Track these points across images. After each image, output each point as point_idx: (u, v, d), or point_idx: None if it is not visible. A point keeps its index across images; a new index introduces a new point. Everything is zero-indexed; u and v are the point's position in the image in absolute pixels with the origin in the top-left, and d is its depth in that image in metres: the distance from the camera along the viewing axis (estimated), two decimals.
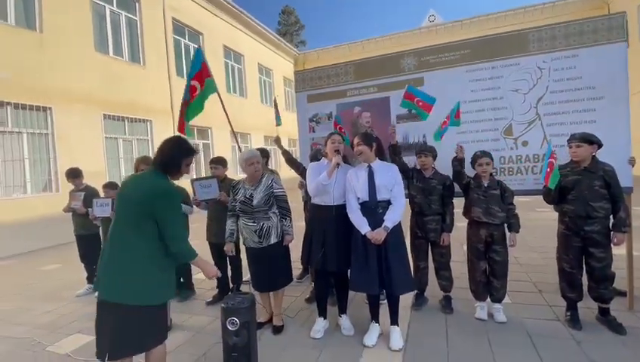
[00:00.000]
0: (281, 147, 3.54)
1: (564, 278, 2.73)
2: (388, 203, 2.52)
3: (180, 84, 10.38)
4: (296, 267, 3.41)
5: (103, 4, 8.89)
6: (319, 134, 3.80)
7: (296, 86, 4.08)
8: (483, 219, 2.78)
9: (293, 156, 3.54)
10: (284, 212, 2.88)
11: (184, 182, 3.82)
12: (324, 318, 2.85)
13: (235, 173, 2.96)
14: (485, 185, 2.82)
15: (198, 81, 3.69)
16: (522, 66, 3.16)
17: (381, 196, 2.50)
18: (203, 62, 3.69)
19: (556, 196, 2.68)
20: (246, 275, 3.37)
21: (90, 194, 4.17)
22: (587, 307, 2.79)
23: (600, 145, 2.57)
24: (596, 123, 2.92)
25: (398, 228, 2.51)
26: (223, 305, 2.20)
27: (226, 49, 13.74)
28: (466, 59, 3.33)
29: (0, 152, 6.61)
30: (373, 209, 2.49)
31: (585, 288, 2.69)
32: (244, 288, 3.49)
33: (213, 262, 3.60)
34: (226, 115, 3.72)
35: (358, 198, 2.55)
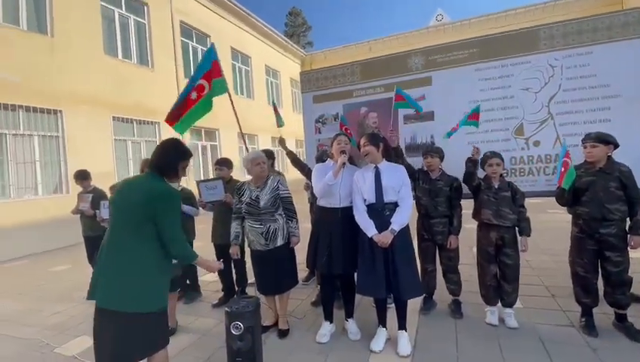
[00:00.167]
0: (285, 148, 3.51)
1: (578, 283, 2.64)
2: (395, 205, 2.46)
3: None
4: (302, 269, 3.38)
5: (112, 8, 9.00)
6: (325, 135, 3.76)
7: (302, 87, 4.05)
8: (493, 221, 2.70)
9: (299, 157, 3.51)
10: (290, 213, 2.85)
11: (191, 184, 3.81)
12: (331, 322, 2.80)
13: (242, 175, 2.96)
14: (496, 186, 2.74)
15: (207, 81, 3.54)
16: (533, 64, 3.08)
17: (388, 198, 2.44)
18: (215, 61, 3.54)
19: (570, 198, 2.59)
20: (251, 278, 3.35)
21: (97, 196, 4.20)
22: (603, 313, 2.69)
23: (616, 146, 2.48)
24: (611, 122, 2.83)
25: (405, 231, 2.46)
26: (227, 309, 2.17)
27: (233, 51, 13.80)
28: (474, 57, 3.27)
29: (12, 155, 6.71)
30: (380, 211, 2.44)
31: (601, 293, 2.60)
32: (249, 291, 3.49)
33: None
34: (236, 116, 3.66)
35: (365, 200, 2.50)
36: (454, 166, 2.98)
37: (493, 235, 2.73)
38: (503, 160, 2.74)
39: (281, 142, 3.58)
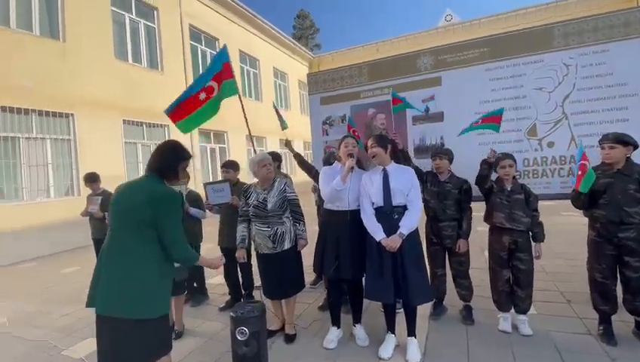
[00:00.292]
0: (292, 150, 3.48)
1: (596, 289, 2.54)
2: (404, 208, 2.40)
3: None
4: (309, 273, 3.33)
5: (122, 12, 9.12)
6: (332, 137, 3.72)
7: (309, 88, 4.02)
8: (506, 224, 2.62)
9: (306, 159, 3.47)
10: (297, 216, 2.82)
11: (198, 186, 3.80)
12: (338, 327, 2.75)
13: (250, 178, 2.94)
14: (508, 189, 2.66)
15: (217, 82, 3.52)
16: (546, 63, 3.00)
17: (397, 201, 2.38)
18: (226, 63, 3.50)
19: (586, 201, 2.49)
20: (258, 281, 3.32)
21: (107, 199, 4.22)
22: (622, 320, 2.59)
23: (636, 147, 2.38)
24: (629, 121, 2.73)
25: (414, 235, 2.39)
26: (232, 314, 2.14)
27: (241, 54, 13.88)
28: (485, 57, 3.20)
29: (25, 158, 6.83)
30: (389, 214, 2.38)
31: (620, 300, 2.49)
32: (255, 294, 3.46)
33: (224, 269, 3.58)
34: (245, 118, 3.65)
35: (373, 203, 2.44)
36: (464, 168, 2.90)
37: (505, 239, 2.64)
38: (515, 161, 2.66)
39: (288, 144, 3.55)
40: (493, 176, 2.76)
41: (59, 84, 7.30)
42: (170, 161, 1.79)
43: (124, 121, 8.77)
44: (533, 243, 2.65)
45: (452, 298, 3.07)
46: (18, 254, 6.49)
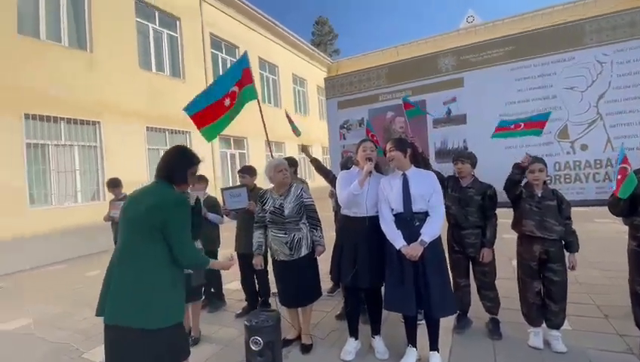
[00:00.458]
0: (309, 155, 3.43)
1: (638, 303, 2.33)
2: (425, 214, 2.29)
3: None
4: (326, 280, 3.25)
5: (146, 23, 9.43)
6: (350, 141, 3.65)
7: (326, 93, 3.98)
8: (537, 233, 2.45)
9: (324, 164, 3.41)
10: (314, 222, 2.75)
11: (216, 192, 3.80)
12: (356, 339, 2.64)
13: (267, 183, 2.91)
14: (539, 194, 2.49)
15: (239, 88, 3.51)
16: (578, 61, 2.82)
17: (417, 207, 2.27)
18: (246, 69, 3.51)
19: (626, 207, 2.29)
20: (274, 288, 3.27)
21: None
22: None
23: None
24: None
25: (437, 243, 2.27)
26: (246, 323, 2.09)
27: (261, 61, 14.07)
28: (510, 56, 3.05)
29: (54, 164, 7.11)
30: (409, 221, 2.27)
31: None
32: (272, 301, 3.40)
33: (241, 275, 3.55)
34: (263, 124, 3.64)
35: (392, 209, 2.34)
36: (489, 173, 2.74)
37: (536, 249, 2.47)
38: (546, 165, 2.49)
39: (304, 149, 3.50)
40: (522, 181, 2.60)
41: (86, 93, 7.59)
42: (178, 166, 1.78)
43: (147, 128, 9.02)
44: (566, 253, 2.47)
45: (477, 310, 2.90)
46: (46, 257, 6.73)
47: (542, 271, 2.52)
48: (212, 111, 3.39)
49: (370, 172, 2.39)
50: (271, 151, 3.88)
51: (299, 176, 4.04)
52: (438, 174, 2.78)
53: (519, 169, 2.50)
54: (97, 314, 1.64)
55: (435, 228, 2.23)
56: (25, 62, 6.61)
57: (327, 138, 3.90)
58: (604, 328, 2.73)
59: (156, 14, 9.73)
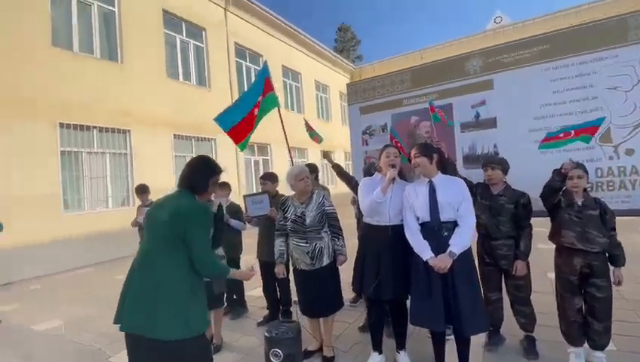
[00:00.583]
0: (331, 161, 3.37)
1: None
2: (454, 224, 2.16)
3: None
4: (348, 289, 3.15)
5: (174, 34, 9.77)
6: (373, 147, 3.57)
7: (348, 98, 3.92)
8: (577, 245, 2.25)
9: (346, 170, 3.34)
10: (336, 230, 2.68)
11: (239, 199, 3.82)
12: (380, 353, 2.53)
13: (289, 189, 2.91)
14: (579, 203, 2.30)
15: (263, 97, 3.61)
16: (621, 59, 2.62)
17: (445, 216, 2.15)
18: (267, 77, 3.61)
19: None
20: (295, 296, 3.21)
21: None
22: None
23: None
24: None
25: (467, 254, 2.13)
26: (266, 334, 2.04)
27: (284, 68, 14.23)
28: (545, 55, 2.88)
29: (87, 170, 7.44)
30: (437, 231, 2.15)
31: None
32: (293, 310, 3.34)
33: (263, 282, 3.52)
34: (284, 131, 3.64)
35: (418, 218, 2.23)
36: (522, 179, 2.58)
37: (577, 262, 2.27)
38: (586, 172, 2.30)
39: (326, 155, 3.45)
40: None
41: (117, 103, 7.92)
42: (200, 175, 1.80)
43: (174, 135, 9.29)
44: (611, 267, 2.26)
45: (511, 326, 2.71)
46: (78, 260, 7.00)
47: (583, 287, 2.32)
48: (246, 124, 3.53)
49: (394, 179, 2.29)
50: (291, 158, 3.87)
51: (320, 182, 3.98)
52: (466, 181, 2.64)
53: (560, 176, 2.32)
54: (115, 322, 1.64)
55: (465, 238, 2.10)
56: (59, 74, 6.97)
57: (350, 144, 3.83)
58: None
59: (183, 25, 10.06)
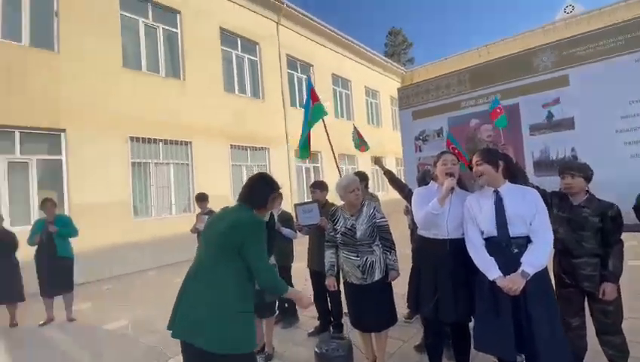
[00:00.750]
0: (382, 167, 3.24)
1: None
2: (526, 239, 1.91)
3: (294, 114, 11.26)
4: (402, 303, 2.97)
5: (230, 50, 10.34)
6: (427, 153, 3.37)
7: (399, 103, 3.77)
8: None
9: (398, 177, 3.18)
10: (388, 243, 2.54)
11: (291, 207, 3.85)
12: None
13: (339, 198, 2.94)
14: None
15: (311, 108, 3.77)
16: None
17: (515, 231, 1.90)
18: (312, 88, 3.75)
19: None
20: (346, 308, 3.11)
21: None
22: None
23: None
24: None
25: (542, 273, 1.87)
26: (316, 349, 1.97)
27: (334, 77, 14.33)
28: (634, 44, 2.47)
29: (154, 180, 8.10)
30: (505, 247, 1.92)
31: None
32: (344, 321, 3.24)
33: (314, 292, 3.47)
34: (329, 140, 3.63)
35: (482, 233, 2.01)
36: (609, 188, 2.21)
37: None
38: None
39: (377, 161, 3.32)
40: None
41: (180, 117, 8.56)
42: (260, 193, 1.89)
43: (231, 145, 9.78)
44: None
45: (596, 356, 2.33)
46: (145, 263, 7.61)
47: None
48: (310, 137, 3.76)
49: (453, 188, 2.10)
50: (338, 167, 3.82)
51: (370, 189, 3.86)
52: (539, 190, 2.34)
53: None
54: (168, 328, 1.70)
55: (541, 257, 1.84)
56: (129, 92, 7.72)
57: (401, 150, 3.67)
58: None
59: (239, 41, 10.61)
